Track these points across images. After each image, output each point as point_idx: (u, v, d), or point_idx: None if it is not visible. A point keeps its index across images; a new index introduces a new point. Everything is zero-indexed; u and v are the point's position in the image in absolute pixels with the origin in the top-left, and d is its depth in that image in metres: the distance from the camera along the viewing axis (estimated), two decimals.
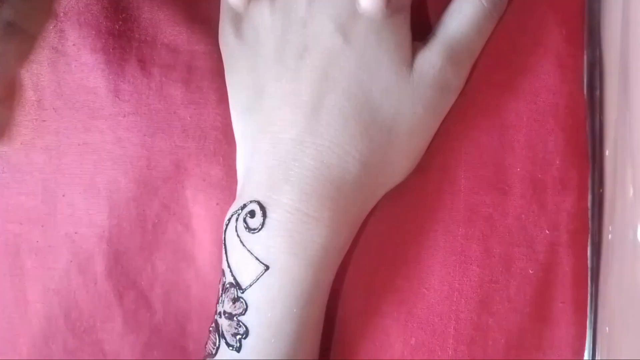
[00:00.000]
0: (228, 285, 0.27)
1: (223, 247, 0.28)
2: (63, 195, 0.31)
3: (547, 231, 0.29)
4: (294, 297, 0.27)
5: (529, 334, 0.29)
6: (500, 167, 0.29)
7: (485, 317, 0.29)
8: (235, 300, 0.27)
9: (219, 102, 0.31)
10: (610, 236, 0.29)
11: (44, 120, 0.31)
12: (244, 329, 0.27)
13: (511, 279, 0.29)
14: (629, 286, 0.26)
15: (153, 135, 0.30)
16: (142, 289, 0.31)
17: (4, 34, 0.29)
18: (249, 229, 0.27)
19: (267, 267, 0.26)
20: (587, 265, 0.30)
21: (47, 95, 0.31)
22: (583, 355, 0.30)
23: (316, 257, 0.27)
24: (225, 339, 0.27)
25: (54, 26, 0.30)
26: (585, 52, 0.30)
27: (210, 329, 0.28)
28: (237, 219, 0.27)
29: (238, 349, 0.27)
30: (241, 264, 0.27)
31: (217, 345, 0.28)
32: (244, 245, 0.27)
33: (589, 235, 0.30)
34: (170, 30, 0.31)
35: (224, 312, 0.27)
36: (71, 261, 0.31)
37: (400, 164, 0.29)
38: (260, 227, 0.27)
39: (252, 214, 0.27)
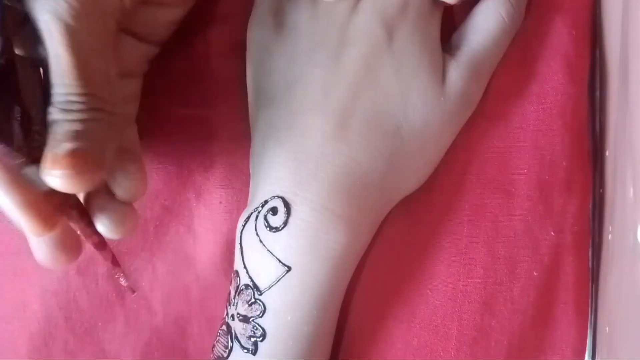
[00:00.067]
0: (243, 287, 0.27)
1: (237, 247, 0.27)
2: None
3: (552, 233, 0.29)
4: (315, 299, 0.26)
5: (531, 335, 0.29)
6: (506, 168, 0.29)
7: (488, 319, 0.29)
8: (252, 302, 0.26)
9: (221, 101, 0.30)
10: (610, 236, 0.29)
11: None
12: (261, 331, 0.26)
13: (515, 281, 0.29)
14: (629, 286, 0.26)
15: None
16: (143, 291, 0.31)
17: None
18: (270, 227, 0.26)
19: (288, 269, 0.26)
20: (588, 267, 0.30)
21: None
22: (584, 356, 0.30)
23: (339, 259, 0.26)
24: (239, 342, 0.27)
25: None
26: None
27: (220, 331, 0.28)
28: (256, 217, 0.27)
29: (254, 352, 0.26)
30: (260, 265, 0.26)
31: (229, 347, 0.27)
32: (263, 245, 0.26)
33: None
34: None
35: (238, 314, 0.27)
36: None
37: (421, 170, 0.29)
38: (282, 225, 0.26)
39: (274, 211, 0.26)
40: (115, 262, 0.27)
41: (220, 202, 0.30)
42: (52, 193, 0.22)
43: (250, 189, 0.29)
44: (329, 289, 0.27)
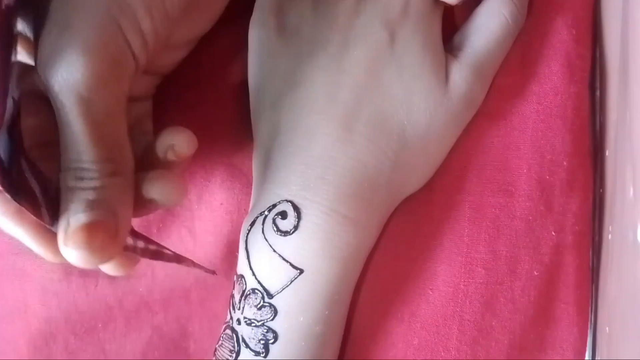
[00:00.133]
0: (250, 291, 0.27)
1: (243, 251, 0.27)
2: None
3: (553, 233, 0.29)
4: (326, 300, 0.26)
5: (531, 335, 0.29)
6: (507, 168, 0.29)
7: (489, 318, 0.29)
8: (262, 306, 0.26)
9: (222, 103, 0.30)
10: (610, 236, 0.29)
11: None
12: (273, 334, 0.26)
13: (516, 281, 0.29)
14: (629, 286, 0.26)
15: None
16: (142, 294, 0.31)
17: None
18: (279, 231, 0.26)
19: (301, 271, 0.26)
20: (589, 266, 0.30)
21: None
22: (585, 356, 0.30)
23: (350, 259, 0.27)
24: (247, 346, 0.26)
25: None
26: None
27: (224, 335, 0.28)
28: (263, 221, 0.26)
29: (265, 355, 0.26)
30: (269, 268, 0.26)
31: (235, 351, 0.27)
32: (273, 249, 0.26)
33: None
34: None
35: (245, 318, 0.27)
36: None
37: (424, 170, 0.29)
38: (293, 229, 0.26)
39: (283, 215, 0.26)
40: (179, 260, 0.27)
41: (221, 204, 0.30)
42: None
43: (253, 192, 0.29)
44: (340, 288, 0.27)
